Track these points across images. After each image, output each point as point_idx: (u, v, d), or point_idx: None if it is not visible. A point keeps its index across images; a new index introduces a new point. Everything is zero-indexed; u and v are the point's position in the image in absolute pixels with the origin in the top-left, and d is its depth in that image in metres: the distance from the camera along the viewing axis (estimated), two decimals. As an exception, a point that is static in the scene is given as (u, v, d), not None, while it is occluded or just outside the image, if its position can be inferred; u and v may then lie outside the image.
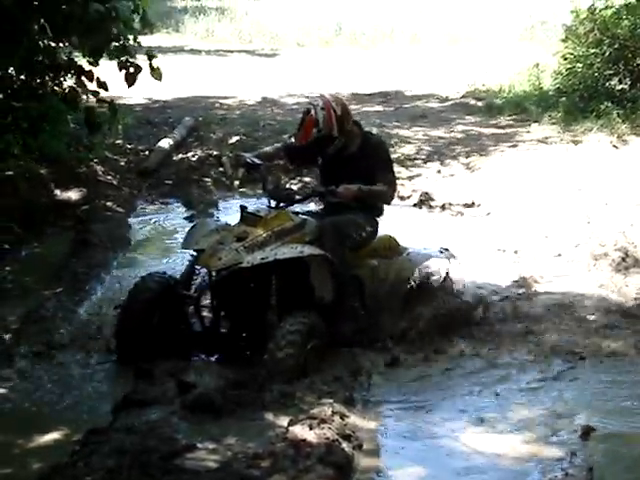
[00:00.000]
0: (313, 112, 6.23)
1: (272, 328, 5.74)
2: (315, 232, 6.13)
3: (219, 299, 6.08)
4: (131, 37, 8.52)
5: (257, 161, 6.41)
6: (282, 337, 5.56)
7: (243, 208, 6.19)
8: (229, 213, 9.39)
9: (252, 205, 6.76)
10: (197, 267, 6.16)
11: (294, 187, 10.97)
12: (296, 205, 6.44)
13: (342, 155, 6.39)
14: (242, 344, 6.10)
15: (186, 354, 6.00)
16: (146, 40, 7.90)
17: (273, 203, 6.23)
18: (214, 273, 5.91)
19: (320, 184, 6.72)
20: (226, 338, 6.12)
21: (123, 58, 8.32)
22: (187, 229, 6.55)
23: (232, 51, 25.56)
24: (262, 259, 5.74)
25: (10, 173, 9.51)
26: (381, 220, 6.57)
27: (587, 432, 5.08)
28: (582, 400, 5.60)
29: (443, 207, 10.47)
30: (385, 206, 6.55)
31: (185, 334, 6.10)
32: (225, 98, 16.85)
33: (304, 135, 6.26)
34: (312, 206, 6.72)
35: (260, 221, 5.99)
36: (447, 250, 6.97)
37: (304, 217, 6.23)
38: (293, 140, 6.37)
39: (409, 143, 13.09)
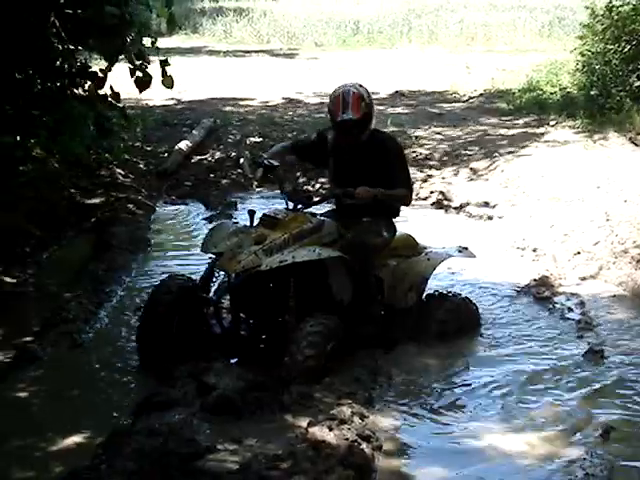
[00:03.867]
0: (353, 89, 6.10)
1: (291, 330, 5.76)
2: (334, 234, 6.14)
3: (238, 301, 6.11)
4: (149, 41, 8.51)
5: (274, 162, 6.38)
6: (303, 338, 5.57)
7: (252, 213, 6.17)
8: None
9: (270, 206, 6.74)
10: (216, 270, 6.19)
11: (311, 188, 11.01)
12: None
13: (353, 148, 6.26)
14: (261, 346, 6.12)
15: (206, 356, 6.01)
16: (165, 42, 7.91)
17: (291, 205, 6.24)
18: (233, 276, 5.95)
19: (331, 180, 6.68)
20: (245, 340, 6.14)
21: (138, 63, 8.31)
22: (206, 230, 6.56)
23: (250, 52, 25.63)
24: (280, 262, 5.75)
25: (31, 176, 9.56)
26: (399, 220, 6.56)
27: (607, 431, 5.08)
28: (602, 399, 5.59)
29: (461, 207, 10.47)
30: (402, 207, 6.51)
31: (205, 336, 6.12)
32: (243, 99, 16.88)
33: (356, 108, 6.03)
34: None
35: (278, 223, 5.99)
36: (466, 249, 6.94)
37: (322, 218, 6.23)
38: (344, 117, 6.05)
39: (427, 143, 13.06)
